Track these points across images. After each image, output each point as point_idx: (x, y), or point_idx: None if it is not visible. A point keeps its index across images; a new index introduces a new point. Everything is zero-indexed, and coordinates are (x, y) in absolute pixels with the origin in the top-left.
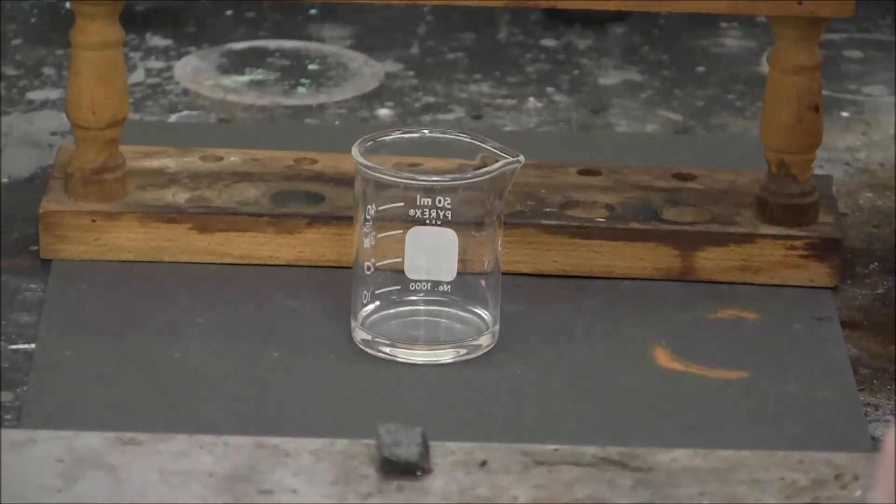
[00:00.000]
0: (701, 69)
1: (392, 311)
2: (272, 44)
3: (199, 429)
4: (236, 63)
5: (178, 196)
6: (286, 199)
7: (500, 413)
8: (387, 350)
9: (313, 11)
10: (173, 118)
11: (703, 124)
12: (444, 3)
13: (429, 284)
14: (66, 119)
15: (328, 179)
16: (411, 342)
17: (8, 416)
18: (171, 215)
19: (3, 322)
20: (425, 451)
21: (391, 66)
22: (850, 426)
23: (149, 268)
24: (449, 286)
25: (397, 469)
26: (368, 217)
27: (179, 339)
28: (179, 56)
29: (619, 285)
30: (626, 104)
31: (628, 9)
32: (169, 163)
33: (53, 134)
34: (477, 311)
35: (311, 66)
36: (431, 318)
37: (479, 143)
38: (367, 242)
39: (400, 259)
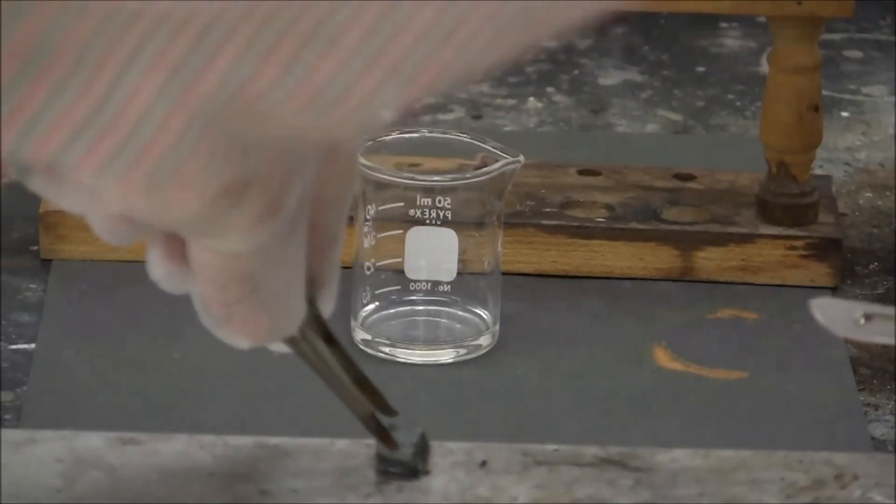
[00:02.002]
0: (701, 69)
1: (392, 311)
2: None
3: (199, 429)
4: None
5: None
6: None
7: (500, 413)
8: (386, 350)
9: None
10: None
11: (703, 124)
12: None
13: (429, 284)
14: None
15: None
16: (411, 342)
17: (8, 416)
18: None
19: (3, 322)
20: (423, 452)
21: None
22: (850, 426)
23: None
24: (449, 286)
25: (395, 469)
26: (368, 217)
27: (179, 339)
28: None
29: (619, 285)
30: (626, 104)
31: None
32: None
33: None
34: (477, 311)
35: None
36: (431, 318)
37: (479, 143)
38: (366, 242)
39: (400, 259)
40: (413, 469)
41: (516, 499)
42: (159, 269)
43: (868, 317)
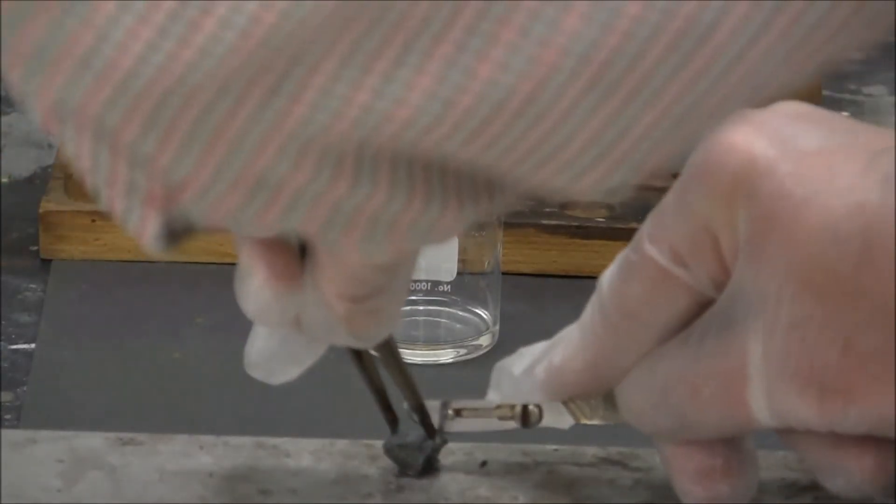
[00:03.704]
0: None
1: None
2: None
3: (198, 429)
4: None
5: None
6: None
7: None
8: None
9: None
10: None
11: None
12: None
13: (429, 284)
14: None
15: None
16: (411, 342)
17: (8, 416)
18: None
19: (3, 322)
20: (434, 456)
21: None
22: None
23: (149, 268)
24: (449, 286)
25: (404, 469)
26: None
27: (179, 339)
28: None
29: None
30: None
31: None
32: None
33: None
34: (477, 311)
35: None
36: (431, 318)
37: None
38: None
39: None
40: (412, 468)
41: (516, 499)
42: (266, 292)
43: (457, 412)
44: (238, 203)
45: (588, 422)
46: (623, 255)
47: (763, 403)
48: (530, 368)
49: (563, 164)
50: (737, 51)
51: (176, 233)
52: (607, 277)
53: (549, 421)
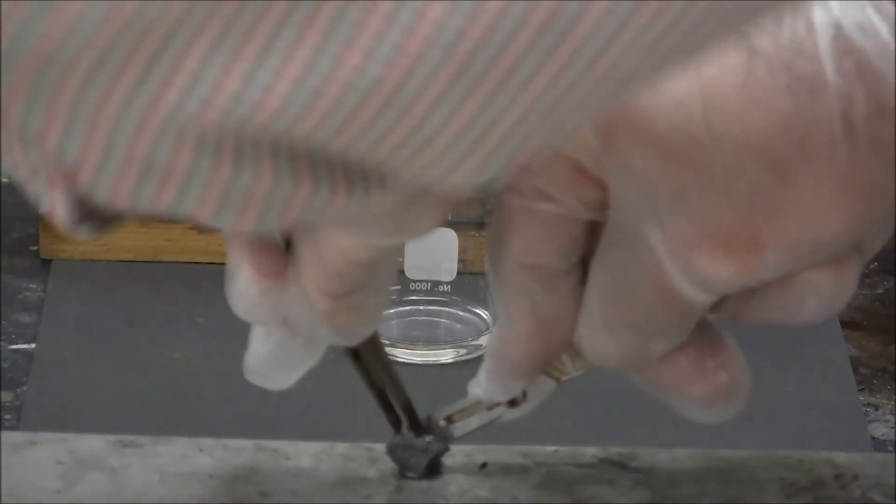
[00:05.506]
0: None
1: (392, 310)
2: None
3: (198, 430)
4: None
5: None
6: None
7: None
8: (386, 350)
9: None
10: None
11: None
12: None
13: (429, 284)
14: None
15: None
16: (411, 342)
17: (8, 417)
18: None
19: (3, 322)
20: (437, 460)
21: None
22: (850, 426)
23: (149, 268)
24: (449, 286)
25: (406, 470)
26: None
27: (179, 339)
28: None
29: None
30: None
31: None
32: None
33: None
34: (477, 311)
35: None
36: (431, 318)
37: None
38: None
39: (400, 259)
40: (413, 471)
41: (516, 499)
42: (252, 290)
43: (448, 419)
44: (131, 186)
45: (568, 377)
46: (489, 228)
47: (687, 284)
48: (490, 374)
49: (434, 157)
50: (600, 43)
51: (105, 217)
52: (489, 254)
53: (533, 392)
